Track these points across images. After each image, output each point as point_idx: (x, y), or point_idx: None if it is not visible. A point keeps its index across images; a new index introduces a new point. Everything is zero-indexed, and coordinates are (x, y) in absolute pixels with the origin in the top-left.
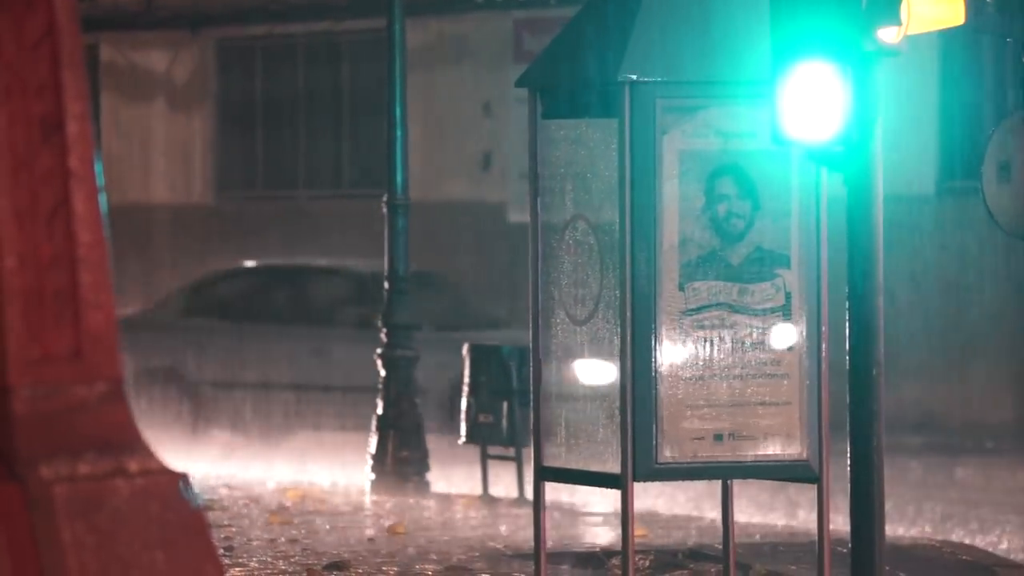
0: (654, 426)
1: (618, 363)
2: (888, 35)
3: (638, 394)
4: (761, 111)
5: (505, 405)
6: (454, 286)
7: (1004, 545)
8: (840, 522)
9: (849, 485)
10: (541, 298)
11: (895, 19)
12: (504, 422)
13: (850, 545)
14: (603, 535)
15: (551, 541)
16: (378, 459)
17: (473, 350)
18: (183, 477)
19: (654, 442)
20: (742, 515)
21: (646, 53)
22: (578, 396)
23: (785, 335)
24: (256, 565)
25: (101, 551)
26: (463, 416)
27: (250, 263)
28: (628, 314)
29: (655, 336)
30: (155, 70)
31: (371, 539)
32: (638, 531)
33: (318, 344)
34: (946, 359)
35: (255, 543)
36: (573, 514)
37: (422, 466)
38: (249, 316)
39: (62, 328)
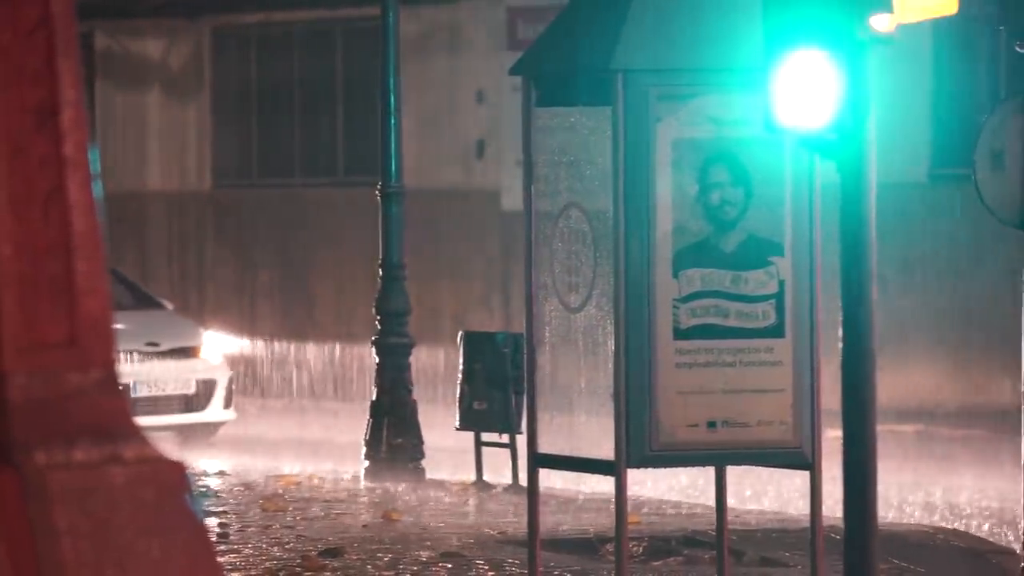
0: (647, 413)
1: (612, 350)
2: (881, 23)
3: (632, 381)
4: (754, 99)
5: (499, 392)
6: None
7: (997, 531)
8: (833, 508)
9: (842, 472)
10: (535, 286)
11: (887, 7)
12: (498, 409)
13: (843, 532)
14: (596, 521)
15: (544, 527)
16: (372, 446)
17: (467, 337)
18: (186, 482)
19: (648, 429)
20: (736, 501)
21: (640, 41)
22: (572, 383)
23: (778, 323)
24: (251, 551)
25: (96, 537)
26: (458, 403)
27: None
28: (621, 301)
29: (648, 323)
30: (150, 58)
31: (365, 525)
32: (630, 517)
33: None
34: (939, 346)
35: (250, 530)
36: (567, 500)
37: (417, 453)
38: None
39: (57, 315)
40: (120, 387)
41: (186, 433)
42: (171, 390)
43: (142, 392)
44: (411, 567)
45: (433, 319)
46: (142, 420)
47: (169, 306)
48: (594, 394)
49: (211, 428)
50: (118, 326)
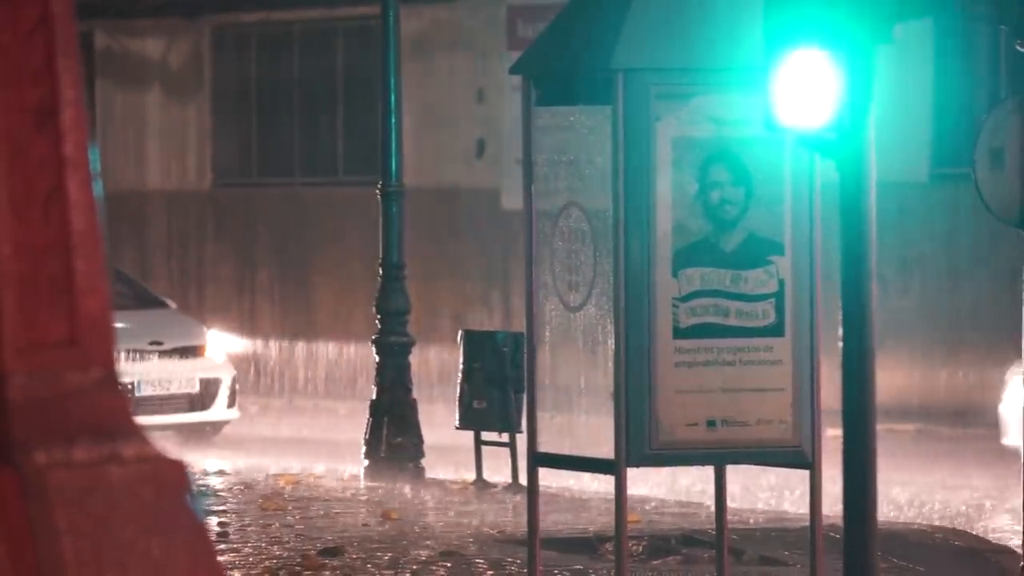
0: (647, 412)
1: (612, 349)
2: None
3: (631, 380)
4: (755, 98)
5: (499, 391)
6: None
7: (994, 529)
8: (832, 507)
9: (842, 471)
10: (535, 285)
11: (888, 6)
12: (498, 408)
13: (843, 530)
14: (596, 520)
15: (544, 526)
16: (372, 445)
17: (467, 336)
18: (186, 481)
19: (647, 428)
20: (734, 501)
21: (640, 40)
22: (572, 382)
23: (777, 322)
24: (251, 550)
25: (96, 536)
26: (457, 402)
27: None
28: (621, 301)
29: (648, 323)
30: (150, 57)
31: (365, 524)
32: (630, 516)
33: None
34: (938, 345)
35: (250, 529)
36: (566, 499)
37: (416, 452)
38: None
39: (57, 314)
40: (120, 386)
41: (190, 432)
42: (175, 389)
43: (146, 391)
44: (410, 566)
45: (433, 318)
46: (146, 419)
47: (172, 305)
48: (594, 393)
49: (215, 427)
50: (122, 325)
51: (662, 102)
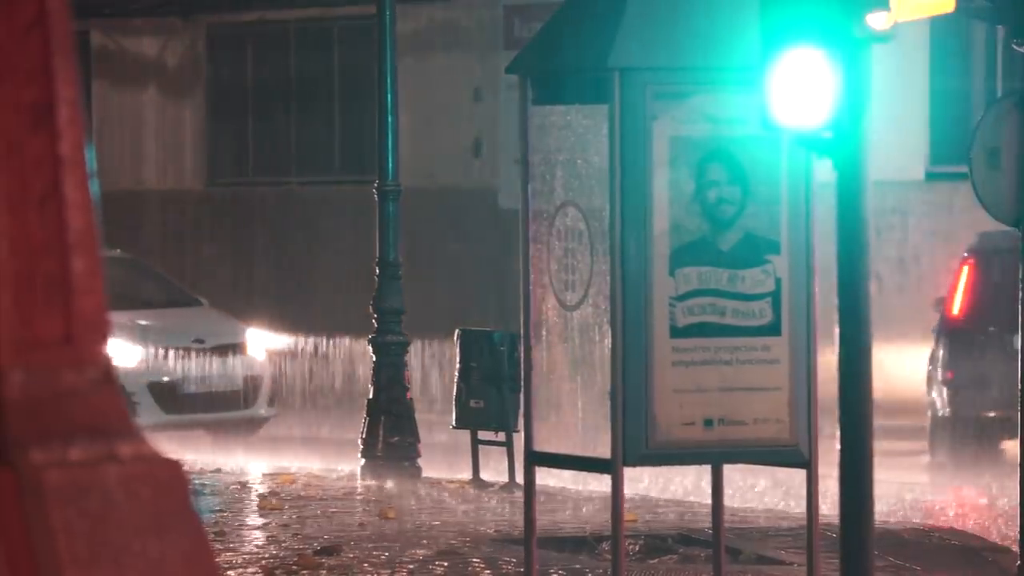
0: (644, 411)
1: (608, 349)
2: (878, 21)
3: (628, 379)
4: (751, 97)
5: (496, 390)
6: None
7: (992, 529)
8: (829, 507)
9: (838, 470)
10: (532, 284)
11: (884, 5)
12: (495, 407)
13: (839, 530)
14: (593, 519)
15: (541, 525)
16: (369, 444)
17: (464, 335)
18: (183, 480)
19: (644, 427)
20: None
21: (636, 39)
22: (569, 381)
23: (774, 321)
24: (247, 550)
25: (92, 536)
26: (454, 401)
27: None
28: (618, 300)
29: (645, 322)
30: (146, 56)
31: (362, 524)
32: (627, 516)
33: None
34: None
35: (246, 528)
36: (563, 498)
37: (413, 451)
38: None
39: (53, 313)
40: (116, 385)
41: (232, 430)
42: (218, 387)
43: (190, 389)
44: (407, 565)
45: (430, 317)
46: (191, 417)
47: (205, 302)
48: (591, 392)
49: (255, 424)
50: (163, 323)
51: (658, 101)
